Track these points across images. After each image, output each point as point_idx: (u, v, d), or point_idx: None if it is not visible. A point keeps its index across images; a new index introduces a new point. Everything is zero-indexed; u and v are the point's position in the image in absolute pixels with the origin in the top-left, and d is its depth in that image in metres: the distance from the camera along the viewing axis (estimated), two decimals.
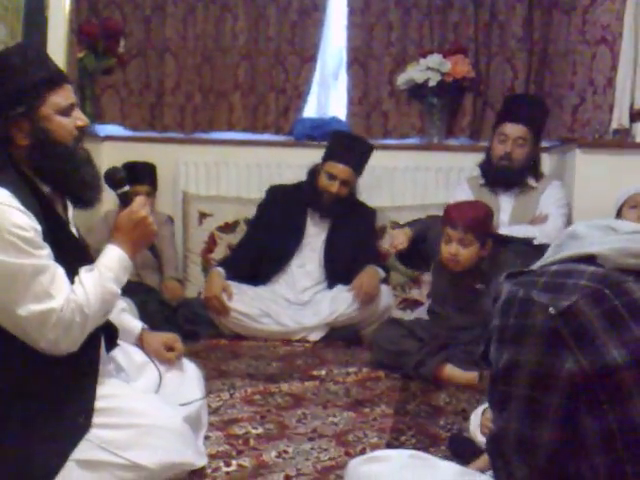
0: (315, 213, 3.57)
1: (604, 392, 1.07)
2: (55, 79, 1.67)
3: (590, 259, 1.19)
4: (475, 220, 2.80)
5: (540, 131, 3.48)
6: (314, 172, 3.56)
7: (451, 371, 2.78)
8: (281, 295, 3.53)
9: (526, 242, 3.03)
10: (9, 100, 1.62)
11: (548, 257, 1.29)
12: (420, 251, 3.09)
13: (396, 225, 3.71)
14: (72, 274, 1.66)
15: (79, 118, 1.71)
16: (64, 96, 1.68)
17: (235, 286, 3.47)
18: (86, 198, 1.76)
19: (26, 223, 1.56)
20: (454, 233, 2.81)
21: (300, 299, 3.53)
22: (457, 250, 2.81)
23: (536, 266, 1.29)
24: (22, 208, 1.57)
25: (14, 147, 1.64)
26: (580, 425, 1.09)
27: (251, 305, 3.41)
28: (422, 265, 3.22)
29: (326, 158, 3.53)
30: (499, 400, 1.20)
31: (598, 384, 1.08)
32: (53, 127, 1.66)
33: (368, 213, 3.69)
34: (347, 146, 3.53)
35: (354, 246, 3.54)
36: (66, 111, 1.68)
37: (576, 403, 1.09)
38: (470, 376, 2.72)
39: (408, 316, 3.47)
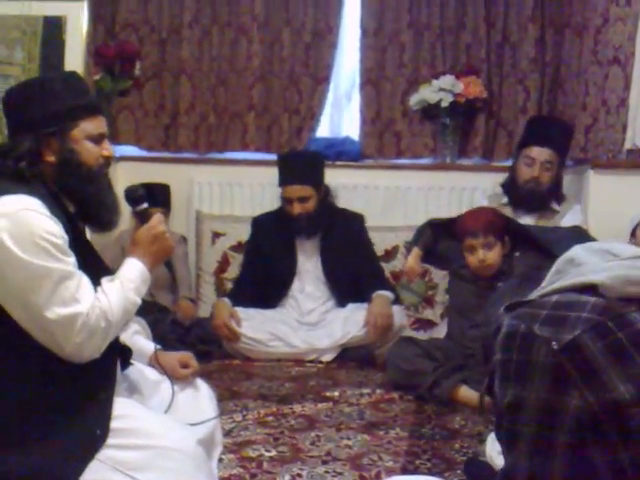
0: (299, 236, 3.54)
1: (613, 428, 1.06)
2: (90, 108, 1.77)
3: (591, 288, 1.18)
4: (490, 221, 2.89)
5: (565, 153, 3.46)
6: (281, 202, 3.54)
7: (466, 393, 2.76)
8: (290, 317, 3.52)
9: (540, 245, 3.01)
10: (45, 120, 1.71)
11: (548, 285, 1.28)
12: (436, 258, 3.10)
13: (405, 244, 3.70)
14: (94, 285, 1.71)
15: (106, 148, 1.79)
16: (96, 125, 1.76)
17: (242, 312, 3.46)
18: (105, 220, 1.82)
19: (57, 230, 1.62)
20: (476, 241, 2.87)
21: (308, 320, 3.52)
22: (484, 255, 2.88)
23: (535, 295, 1.28)
24: (52, 217, 1.63)
25: (42, 163, 1.72)
26: (590, 462, 1.07)
27: (260, 329, 3.40)
28: (445, 264, 3.20)
29: (279, 185, 3.51)
30: (506, 437, 1.18)
31: (606, 420, 1.06)
32: (80, 149, 1.74)
33: (353, 219, 3.64)
34: (288, 166, 3.50)
35: (350, 256, 3.50)
36: (96, 139, 1.76)
37: (585, 440, 1.07)
38: (486, 399, 2.70)
39: (422, 336, 3.45)
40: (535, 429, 1.11)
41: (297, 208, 3.43)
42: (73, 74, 1.85)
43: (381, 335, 3.36)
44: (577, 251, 1.27)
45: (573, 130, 3.57)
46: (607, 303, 1.12)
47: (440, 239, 3.08)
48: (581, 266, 1.23)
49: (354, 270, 3.51)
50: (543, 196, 3.35)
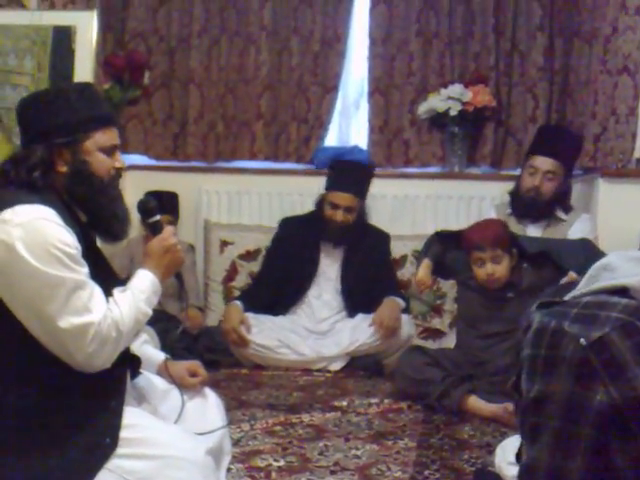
0: (327, 243, 3.56)
1: (636, 424, 1.06)
2: (104, 120, 1.77)
3: (623, 291, 1.18)
4: (498, 234, 2.88)
5: (572, 165, 3.43)
6: (320, 202, 3.56)
7: (475, 403, 2.75)
8: (301, 325, 3.52)
9: (544, 255, 2.99)
10: (58, 130, 1.71)
11: (581, 288, 1.28)
12: (445, 269, 3.09)
13: (415, 255, 3.69)
14: (105, 295, 1.71)
15: (118, 160, 1.80)
16: (109, 137, 1.77)
17: (253, 317, 3.47)
18: (116, 232, 1.83)
19: (70, 240, 1.63)
20: (484, 254, 2.86)
21: (319, 329, 3.52)
22: (493, 269, 2.86)
23: (568, 297, 1.28)
24: (66, 226, 1.64)
25: (54, 173, 1.73)
26: (612, 456, 1.08)
27: (269, 336, 3.40)
28: (453, 275, 3.19)
29: (328, 188, 3.53)
30: (530, 431, 1.19)
31: (630, 416, 1.06)
32: (92, 160, 1.75)
33: (381, 237, 3.66)
34: (347, 174, 3.52)
35: (370, 272, 3.52)
36: (108, 151, 1.77)
37: (608, 435, 1.08)
38: (495, 408, 2.69)
39: (430, 346, 3.44)
40: (559, 422, 1.12)
41: (340, 216, 3.46)
42: (88, 85, 1.86)
43: (387, 336, 3.35)
44: (611, 258, 1.29)
45: (582, 142, 3.55)
46: (638, 304, 1.13)
47: (448, 250, 3.07)
48: (614, 271, 1.24)
49: (370, 285, 3.52)
50: (544, 206, 3.33)
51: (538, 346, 1.17)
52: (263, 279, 3.64)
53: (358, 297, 3.53)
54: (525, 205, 3.34)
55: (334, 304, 3.56)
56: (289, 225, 3.67)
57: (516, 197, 3.39)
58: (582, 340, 1.10)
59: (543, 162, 3.32)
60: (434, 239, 3.14)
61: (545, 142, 3.39)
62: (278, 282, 3.56)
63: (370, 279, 3.52)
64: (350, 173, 3.53)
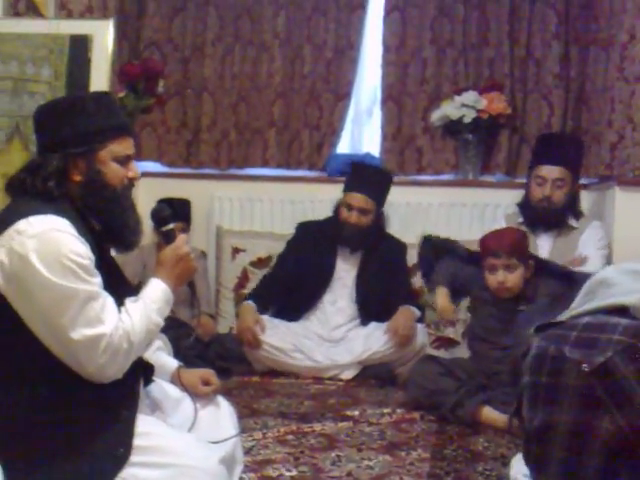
0: (345, 249, 3.55)
1: None
2: (120, 129, 1.76)
3: (622, 309, 1.15)
4: (514, 243, 2.84)
5: (578, 169, 3.42)
6: (337, 207, 3.57)
7: (490, 414, 2.71)
8: (313, 331, 3.51)
9: (561, 271, 2.96)
10: (74, 139, 1.71)
11: (578, 305, 1.25)
12: (460, 290, 3.06)
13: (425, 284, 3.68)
14: (118, 305, 1.71)
15: (132, 170, 1.79)
16: (124, 146, 1.76)
17: (268, 320, 3.47)
18: (127, 241, 1.83)
19: (83, 251, 1.62)
20: (498, 261, 2.82)
21: (333, 336, 3.50)
22: (504, 277, 2.82)
23: (565, 316, 1.25)
24: (79, 237, 1.64)
25: (69, 182, 1.73)
26: None
27: (284, 340, 3.40)
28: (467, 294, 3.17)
29: (345, 190, 3.54)
30: (535, 461, 1.15)
31: (638, 444, 1.03)
32: (106, 170, 1.74)
33: (398, 247, 3.65)
34: (363, 175, 3.53)
35: (386, 281, 3.50)
36: (122, 160, 1.76)
37: (616, 464, 1.04)
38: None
39: (443, 355, 3.41)
40: (565, 453, 1.08)
41: (354, 217, 3.46)
42: (106, 94, 1.86)
43: (402, 345, 3.33)
44: (608, 272, 1.25)
45: (583, 145, 3.54)
46: (639, 324, 1.09)
47: (459, 272, 3.03)
48: (612, 287, 1.20)
49: (384, 294, 3.50)
50: (558, 214, 3.31)
51: (539, 373, 1.13)
52: (274, 281, 3.63)
53: (372, 305, 3.52)
54: (538, 215, 3.31)
55: (348, 312, 3.55)
56: (306, 230, 3.67)
57: (527, 208, 3.36)
58: (584, 366, 1.07)
59: (550, 171, 3.29)
60: (441, 264, 3.10)
61: (549, 150, 3.37)
62: (291, 286, 3.55)
63: (385, 288, 3.51)
64: (366, 176, 3.53)
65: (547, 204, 3.29)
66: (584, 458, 1.06)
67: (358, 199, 3.47)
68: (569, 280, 2.84)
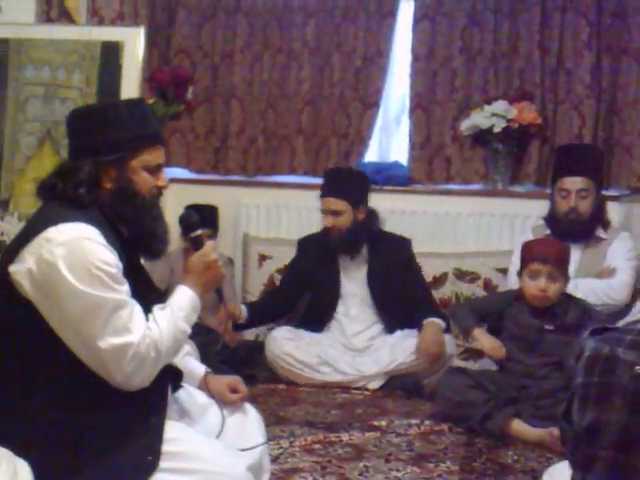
0: (345, 257, 3.50)
1: None
2: (152, 139, 1.76)
3: None
4: (562, 254, 2.83)
5: (600, 178, 3.38)
6: None
7: (519, 427, 2.67)
8: (337, 341, 3.48)
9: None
10: (107, 147, 1.71)
11: (635, 314, 1.24)
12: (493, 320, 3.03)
13: (456, 273, 3.63)
14: (145, 312, 1.71)
15: (161, 179, 1.79)
16: (155, 156, 1.76)
17: (292, 331, 3.45)
18: (154, 250, 1.83)
19: (111, 259, 1.62)
20: (544, 268, 2.80)
21: (355, 345, 3.47)
22: (547, 285, 2.80)
23: (622, 323, 1.24)
24: (108, 245, 1.64)
25: (99, 189, 1.73)
26: None
27: (308, 352, 3.37)
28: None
29: (320, 197, 3.52)
30: (582, 462, 1.14)
31: None
32: (136, 179, 1.74)
33: (400, 242, 3.58)
34: (330, 179, 3.50)
35: (397, 279, 3.45)
36: (152, 170, 1.76)
37: None
38: (540, 433, 2.61)
39: (471, 367, 3.37)
40: (613, 454, 1.08)
41: (329, 221, 3.43)
42: (139, 101, 1.85)
43: (432, 363, 3.29)
44: None
45: (603, 154, 3.52)
46: None
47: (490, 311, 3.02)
48: None
49: (403, 294, 3.46)
50: (585, 225, 3.27)
51: (591, 373, 1.13)
52: (275, 294, 3.68)
53: (392, 310, 3.47)
54: (565, 227, 3.28)
55: (363, 317, 3.51)
56: (305, 246, 3.63)
57: (555, 222, 3.33)
58: (638, 368, 1.06)
59: (573, 182, 3.27)
60: (467, 309, 3.08)
61: (569, 162, 3.35)
62: (295, 302, 3.59)
63: (398, 286, 3.45)
64: (334, 178, 3.50)
65: (574, 216, 3.26)
66: (633, 460, 1.05)
67: (327, 202, 3.45)
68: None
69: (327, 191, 3.47)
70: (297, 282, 3.58)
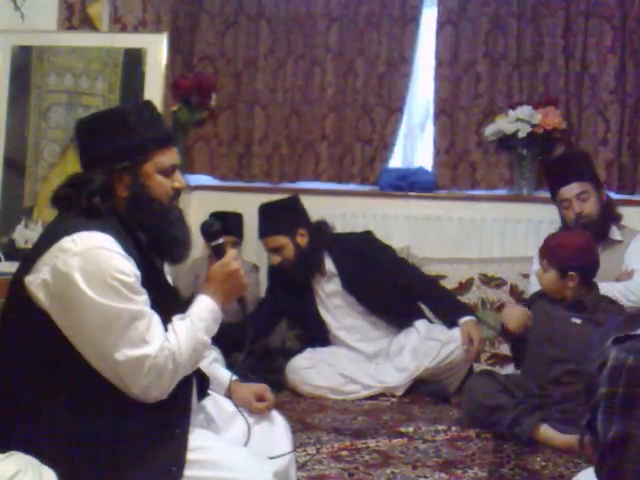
0: (313, 277, 3.46)
1: None
2: (163, 140, 1.73)
3: None
4: (549, 247, 2.86)
5: (595, 178, 3.35)
6: None
7: (547, 432, 2.66)
8: (349, 352, 3.45)
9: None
10: (117, 154, 1.69)
11: None
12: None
13: (482, 278, 3.60)
14: (165, 321, 1.68)
15: (178, 180, 1.75)
16: (168, 157, 1.73)
17: (308, 357, 3.39)
18: (176, 255, 1.79)
19: (128, 269, 1.60)
20: (543, 259, 2.88)
21: (368, 351, 3.44)
22: (541, 273, 2.86)
23: None
24: (124, 254, 1.61)
25: (116, 197, 1.70)
26: None
27: (330, 375, 3.32)
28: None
29: None
30: (608, 475, 1.12)
31: None
32: (151, 184, 1.71)
33: (360, 239, 3.56)
34: (261, 218, 3.49)
35: (373, 275, 3.40)
36: (167, 171, 1.73)
37: None
38: (568, 439, 2.59)
39: (497, 372, 3.35)
40: None
41: (275, 259, 3.42)
42: (147, 104, 1.81)
43: (475, 357, 3.32)
44: None
45: (588, 154, 3.55)
46: None
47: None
48: None
49: (390, 286, 3.41)
50: (596, 225, 3.23)
51: (615, 384, 1.11)
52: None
53: (384, 303, 3.42)
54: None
55: (358, 324, 3.47)
56: (275, 273, 3.57)
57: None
58: None
59: (569, 190, 3.26)
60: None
61: (558, 173, 3.35)
62: (274, 326, 3.58)
63: (383, 280, 3.40)
64: (262, 217, 3.49)
65: (583, 220, 3.23)
66: None
67: (265, 242, 3.46)
68: None
69: (261, 232, 3.48)
70: (274, 310, 3.53)
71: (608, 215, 3.29)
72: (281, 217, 3.47)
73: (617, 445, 1.09)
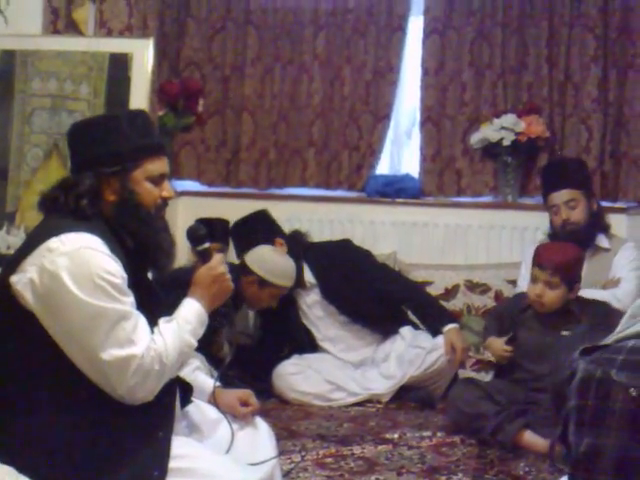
0: (297, 290, 3.44)
1: None
2: (154, 149, 1.75)
3: None
4: (564, 262, 2.81)
5: (587, 186, 3.40)
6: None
7: (531, 438, 2.68)
8: (336, 360, 3.46)
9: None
10: (107, 159, 1.70)
11: (622, 329, 1.24)
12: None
13: (467, 284, 3.61)
14: (151, 324, 1.69)
15: (166, 189, 1.77)
16: (158, 166, 1.75)
17: (295, 363, 3.39)
18: (160, 263, 1.80)
19: (115, 269, 1.61)
20: (541, 274, 2.81)
21: (352, 360, 3.45)
22: (542, 291, 2.81)
23: (610, 340, 1.24)
24: (112, 255, 1.62)
25: (103, 201, 1.72)
26: None
27: (317, 381, 3.33)
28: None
29: None
30: None
31: None
32: (140, 190, 1.73)
33: (336, 247, 3.56)
34: (238, 235, 3.51)
35: (352, 283, 3.41)
36: (156, 180, 1.75)
37: None
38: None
39: (482, 378, 3.38)
40: (612, 478, 1.07)
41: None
42: (140, 113, 1.83)
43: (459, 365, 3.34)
44: None
45: (584, 163, 3.57)
46: None
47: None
48: None
49: (370, 295, 3.42)
50: (582, 233, 3.27)
51: (585, 396, 1.12)
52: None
53: (366, 312, 3.43)
54: (565, 238, 3.28)
55: (341, 334, 3.48)
56: None
57: (555, 236, 3.35)
58: (632, 390, 1.05)
59: (557, 197, 3.30)
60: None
61: (551, 178, 3.39)
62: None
63: (364, 288, 3.40)
64: (239, 234, 3.50)
65: (569, 227, 3.27)
66: None
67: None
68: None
69: (241, 250, 3.44)
70: (270, 333, 3.52)
71: (596, 224, 3.33)
72: (258, 230, 3.48)
73: (589, 458, 1.10)
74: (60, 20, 3.47)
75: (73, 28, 3.51)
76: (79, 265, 1.57)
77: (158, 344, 1.64)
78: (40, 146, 3.24)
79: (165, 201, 1.78)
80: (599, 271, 3.29)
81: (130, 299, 1.63)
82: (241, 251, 3.42)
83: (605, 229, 3.37)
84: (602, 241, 3.35)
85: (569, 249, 2.91)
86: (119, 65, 3.37)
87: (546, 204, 3.40)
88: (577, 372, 1.16)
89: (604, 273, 3.28)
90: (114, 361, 1.57)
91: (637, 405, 1.06)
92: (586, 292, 3.16)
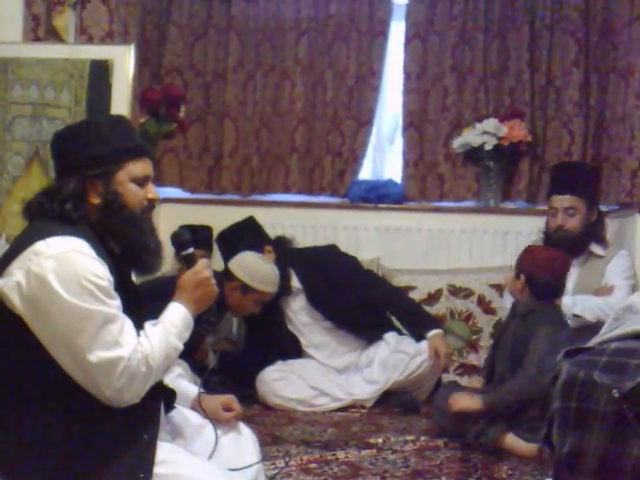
0: (284, 298, 3.45)
1: None
2: (137, 150, 1.76)
3: None
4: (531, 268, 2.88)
5: (592, 196, 3.40)
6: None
7: (514, 441, 2.69)
8: (320, 365, 3.46)
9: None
10: (90, 162, 1.71)
11: (605, 331, 1.24)
12: None
13: (450, 289, 3.62)
14: (137, 327, 1.69)
15: (151, 191, 1.77)
16: (141, 167, 1.75)
17: (278, 369, 3.39)
18: (147, 264, 1.80)
19: (102, 272, 1.61)
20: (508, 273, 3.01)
21: (337, 365, 3.46)
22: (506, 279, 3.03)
23: (594, 342, 1.24)
24: (98, 258, 1.63)
25: (87, 205, 1.72)
26: None
27: (300, 387, 3.33)
28: None
29: None
30: None
31: None
32: (124, 192, 1.73)
33: (322, 254, 3.58)
34: (224, 244, 3.51)
35: (338, 290, 3.42)
36: (140, 181, 1.75)
37: None
38: (533, 447, 2.62)
39: (465, 383, 3.39)
40: (595, 479, 1.07)
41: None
42: (121, 118, 1.86)
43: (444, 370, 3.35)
44: (636, 298, 1.25)
45: (598, 172, 3.56)
46: None
47: None
48: (639, 313, 1.20)
49: (355, 301, 3.42)
50: (574, 242, 3.28)
51: (568, 398, 1.12)
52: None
53: (351, 318, 3.44)
54: (556, 244, 3.30)
55: (326, 340, 3.48)
56: None
57: (547, 238, 3.37)
58: (614, 392, 1.06)
59: (560, 200, 3.31)
60: None
61: (558, 181, 3.41)
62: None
63: (350, 295, 3.41)
64: (226, 242, 3.50)
65: (563, 233, 3.29)
66: None
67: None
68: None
69: (229, 258, 3.39)
70: (256, 338, 3.53)
71: (590, 235, 3.33)
72: (246, 237, 3.48)
73: (572, 458, 1.10)
74: (40, 27, 3.45)
75: (54, 35, 3.49)
76: (66, 268, 1.57)
77: (144, 346, 1.65)
78: (21, 154, 3.22)
79: (151, 203, 1.78)
80: (592, 277, 3.30)
81: (117, 302, 1.63)
82: (229, 258, 3.41)
83: (600, 241, 3.37)
84: (596, 248, 3.35)
85: (549, 254, 2.96)
86: (100, 72, 3.36)
87: (548, 203, 3.41)
88: (561, 374, 1.16)
89: (597, 280, 3.29)
90: (101, 363, 1.58)
91: (619, 407, 1.06)
92: (579, 298, 3.18)
